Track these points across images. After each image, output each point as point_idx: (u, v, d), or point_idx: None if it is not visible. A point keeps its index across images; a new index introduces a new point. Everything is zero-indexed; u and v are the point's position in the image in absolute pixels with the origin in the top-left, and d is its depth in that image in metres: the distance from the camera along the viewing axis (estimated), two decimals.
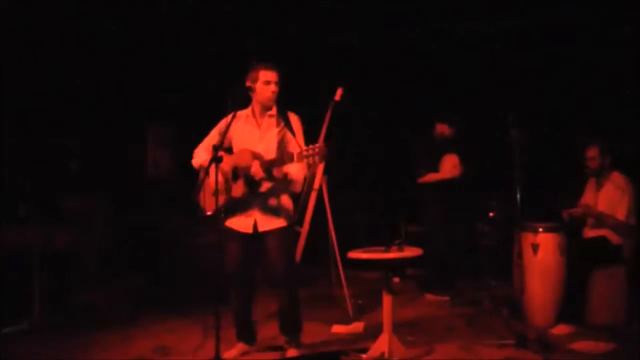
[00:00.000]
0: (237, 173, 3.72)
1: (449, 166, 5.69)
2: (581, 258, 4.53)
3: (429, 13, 6.52)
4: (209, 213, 3.85)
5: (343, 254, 4.81)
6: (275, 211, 3.79)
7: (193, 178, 4.06)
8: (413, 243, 4.23)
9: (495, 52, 6.54)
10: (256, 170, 3.60)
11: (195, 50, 6.87)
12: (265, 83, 3.73)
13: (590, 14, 6.10)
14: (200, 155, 3.90)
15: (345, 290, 5.12)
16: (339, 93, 5.25)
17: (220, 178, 3.65)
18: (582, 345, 4.08)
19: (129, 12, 5.96)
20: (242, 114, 3.86)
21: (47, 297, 4.74)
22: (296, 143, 3.74)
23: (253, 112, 3.86)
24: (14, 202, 4.91)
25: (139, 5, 5.98)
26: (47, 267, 4.75)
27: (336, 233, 5.19)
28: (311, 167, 4.89)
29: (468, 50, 6.67)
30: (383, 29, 6.93)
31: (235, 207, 3.81)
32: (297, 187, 3.89)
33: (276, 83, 3.75)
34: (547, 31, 6.38)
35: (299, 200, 5.28)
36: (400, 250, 3.97)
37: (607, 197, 4.70)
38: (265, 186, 3.75)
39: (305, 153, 3.38)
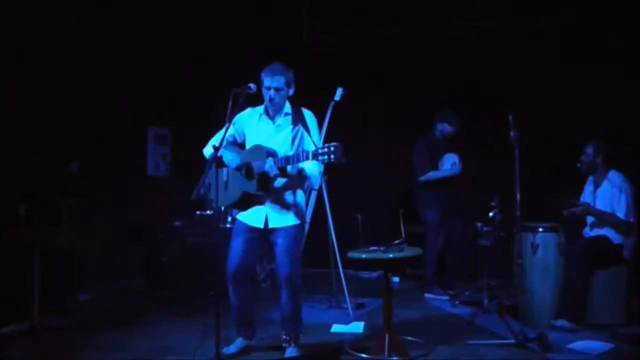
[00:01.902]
0: (251, 168, 3.73)
1: (450, 165, 5.70)
2: (581, 258, 4.54)
3: (430, 12, 6.53)
4: (222, 208, 3.86)
5: (343, 254, 4.81)
6: (288, 207, 3.81)
7: (192, 178, 4.07)
8: (413, 243, 4.23)
9: (495, 52, 6.54)
10: (270, 167, 3.61)
11: (195, 51, 6.87)
12: (265, 88, 3.76)
13: (589, 14, 6.11)
14: (211, 147, 3.92)
15: (345, 290, 5.12)
16: (338, 93, 5.26)
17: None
18: (582, 345, 4.09)
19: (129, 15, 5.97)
20: (257, 110, 3.89)
21: (47, 297, 4.73)
22: (311, 141, 3.75)
23: (267, 109, 3.87)
24: (14, 202, 4.90)
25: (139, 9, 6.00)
26: (47, 267, 4.74)
27: (336, 233, 5.20)
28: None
29: (468, 50, 6.67)
30: (383, 29, 6.93)
31: (248, 201, 3.82)
32: (314, 183, 3.91)
33: (275, 89, 3.74)
34: (547, 31, 6.39)
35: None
36: (400, 250, 3.97)
37: (605, 195, 4.71)
38: (279, 183, 3.76)
39: (320, 151, 3.38)
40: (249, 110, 3.90)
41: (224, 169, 3.89)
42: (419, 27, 6.83)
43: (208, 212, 5.89)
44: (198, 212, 6.00)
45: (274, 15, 6.82)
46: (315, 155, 3.40)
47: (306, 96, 4.08)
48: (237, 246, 3.84)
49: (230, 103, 3.58)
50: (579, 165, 4.85)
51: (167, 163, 6.89)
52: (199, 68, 6.89)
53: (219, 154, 3.53)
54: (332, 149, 3.35)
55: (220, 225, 5.69)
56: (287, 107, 3.86)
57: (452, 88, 6.56)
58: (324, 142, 5.18)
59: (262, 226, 3.81)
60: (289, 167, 3.67)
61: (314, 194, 5.27)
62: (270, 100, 3.75)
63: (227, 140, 3.87)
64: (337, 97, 5.25)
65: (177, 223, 6.06)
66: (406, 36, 6.92)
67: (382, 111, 7.06)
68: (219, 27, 6.85)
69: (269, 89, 3.74)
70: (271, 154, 3.69)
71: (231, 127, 3.88)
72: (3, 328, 4.52)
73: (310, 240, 5.28)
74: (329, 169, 5.23)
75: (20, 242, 4.64)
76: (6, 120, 4.98)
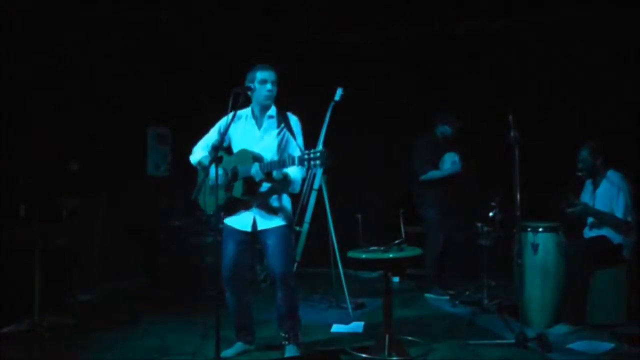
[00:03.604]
0: (237, 173, 3.73)
1: (450, 163, 5.70)
2: (581, 258, 4.54)
3: (430, 13, 6.52)
4: (209, 213, 3.88)
5: (343, 254, 4.81)
6: (274, 211, 3.81)
7: (192, 178, 4.07)
8: (413, 243, 4.23)
9: (495, 52, 6.54)
10: (256, 171, 3.61)
11: (195, 51, 6.87)
12: (261, 82, 3.76)
13: (589, 13, 6.11)
14: (198, 153, 3.94)
15: (345, 290, 5.12)
16: (338, 93, 5.26)
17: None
18: (582, 345, 4.09)
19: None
20: (242, 113, 3.88)
21: (47, 297, 4.74)
22: (296, 145, 3.75)
23: (253, 112, 3.88)
24: (14, 202, 4.91)
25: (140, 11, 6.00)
26: (47, 267, 4.74)
27: (336, 233, 5.20)
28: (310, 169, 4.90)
29: (468, 50, 6.67)
30: (384, 29, 6.93)
31: (235, 206, 3.82)
32: (296, 188, 3.90)
33: (272, 82, 3.77)
34: (547, 31, 6.39)
35: (298, 200, 5.28)
36: (400, 250, 3.97)
37: (604, 195, 4.71)
38: (265, 187, 3.77)
39: (306, 157, 3.39)
40: (234, 113, 3.88)
41: (211, 173, 3.86)
42: (419, 28, 6.83)
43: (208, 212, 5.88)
44: (198, 212, 5.99)
45: (274, 15, 6.82)
46: (302, 161, 3.41)
47: (306, 97, 4.09)
48: (228, 251, 3.85)
49: (230, 103, 3.59)
50: (579, 174, 4.83)
51: (167, 163, 6.89)
52: (199, 68, 6.88)
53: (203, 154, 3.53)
54: (317, 154, 3.35)
55: (220, 226, 5.68)
56: (272, 110, 3.86)
57: (452, 88, 6.56)
58: (324, 142, 5.21)
59: (250, 229, 3.82)
60: (274, 172, 3.67)
61: (313, 194, 5.27)
62: (269, 92, 3.76)
63: (213, 145, 3.85)
64: (337, 97, 5.25)
65: (177, 223, 6.06)
66: (406, 36, 6.92)
67: (382, 111, 7.06)
68: (219, 27, 6.84)
69: (265, 82, 3.76)
70: (257, 158, 3.70)
71: (216, 132, 3.89)
72: (3, 328, 4.52)
73: (310, 240, 5.28)
74: (329, 169, 5.23)
75: (20, 242, 4.64)
76: (6, 120, 4.98)
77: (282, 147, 3.82)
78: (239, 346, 4.00)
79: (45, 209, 5.00)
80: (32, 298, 4.59)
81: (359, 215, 5.31)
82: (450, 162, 5.71)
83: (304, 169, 3.76)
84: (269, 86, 3.76)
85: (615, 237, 4.65)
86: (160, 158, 6.88)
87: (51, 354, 4.15)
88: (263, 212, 3.80)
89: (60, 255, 5.08)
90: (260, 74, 3.77)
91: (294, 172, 3.75)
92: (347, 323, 4.79)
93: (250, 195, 3.74)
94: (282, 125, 3.82)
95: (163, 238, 6.02)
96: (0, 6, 4.84)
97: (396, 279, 6.43)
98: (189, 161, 4.02)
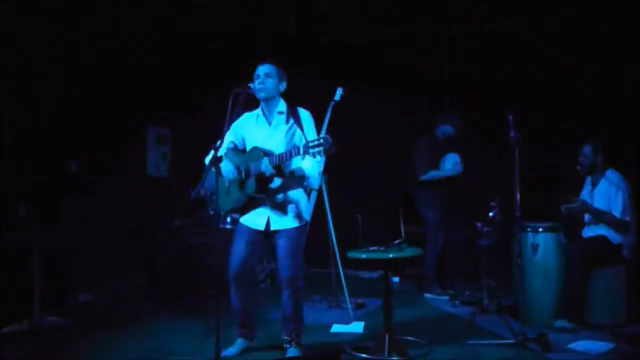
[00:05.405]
0: (249, 171, 3.74)
1: (451, 164, 5.71)
2: (581, 258, 4.54)
3: (430, 13, 6.53)
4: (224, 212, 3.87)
5: (343, 254, 4.81)
6: (289, 210, 3.81)
7: (192, 178, 4.07)
8: (413, 243, 4.23)
9: (495, 53, 6.55)
10: (266, 166, 3.62)
11: (195, 51, 6.87)
12: (255, 78, 3.79)
13: (588, 13, 6.11)
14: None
15: (345, 290, 5.12)
16: (338, 93, 5.26)
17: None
18: (582, 345, 4.09)
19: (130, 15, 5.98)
20: (254, 113, 3.91)
21: (47, 297, 4.73)
22: (304, 137, 3.74)
23: (263, 110, 3.89)
24: (14, 202, 4.90)
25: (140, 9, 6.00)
26: (47, 267, 4.74)
27: (336, 233, 5.20)
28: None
29: (468, 50, 6.67)
30: (383, 29, 6.93)
31: (250, 204, 3.84)
32: (313, 182, 3.90)
33: (265, 75, 3.77)
34: (547, 31, 6.39)
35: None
36: (400, 250, 3.97)
37: (603, 194, 4.72)
38: (277, 183, 3.77)
39: (311, 144, 3.38)
40: (245, 115, 3.90)
41: (224, 173, 3.87)
42: (419, 28, 6.83)
43: (209, 211, 5.89)
44: (199, 212, 5.99)
45: (275, 15, 6.82)
46: (307, 148, 3.39)
47: (306, 96, 4.08)
48: (239, 248, 3.85)
49: (230, 103, 3.59)
50: (578, 168, 4.85)
51: (167, 163, 6.89)
52: (199, 68, 6.88)
53: (218, 154, 3.53)
54: (321, 140, 3.35)
55: (220, 226, 5.69)
56: (282, 106, 3.86)
57: (452, 88, 6.56)
58: None
59: (264, 229, 3.82)
60: (284, 166, 3.66)
61: (314, 194, 5.26)
62: (260, 84, 3.75)
63: (228, 147, 3.89)
64: (337, 97, 5.25)
65: (177, 223, 6.05)
66: (406, 36, 6.92)
67: (382, 111, 7.06)
68: (219, 27, 6.84)
69: (258, 76, 3.77)
70: (268, 154, 3.69)
71: (230, 134, 3.89)
72: (3, 328, 4.52)
73: (310, 240, 5.27)
74: (329, 169, 5.24)
75: (20, 242, 4.64)
76: (5, 120, 4.98)
77: (291, 143, 3.80)
78: (240, 342, 4.00)
79: (45, 209, 4.99)
80: (32, 298, 4.58)
81: (359, 215, 5.31)
82: (451, 163, 5.72)
83: (320, 163, 3.74)
84: (260, 79, 3.76)
85: (614, 237, 4.65)
86: (160, 158, 6.88)
87: (51, 354, 4.14)
88: (278, 211, 3.80)
89: (60, 255, 5.08)
90: (256, 71, 3.79)
91: (309, 166, 3.74)
92: (347, 323, 4.79)
93: (262, 192, 3.74)
94: (292, 121, 3.81)
95: (163, 238, 6.02)
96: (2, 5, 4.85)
97: (396, 279, 6.44)
98: (189, 161, 4.04)
